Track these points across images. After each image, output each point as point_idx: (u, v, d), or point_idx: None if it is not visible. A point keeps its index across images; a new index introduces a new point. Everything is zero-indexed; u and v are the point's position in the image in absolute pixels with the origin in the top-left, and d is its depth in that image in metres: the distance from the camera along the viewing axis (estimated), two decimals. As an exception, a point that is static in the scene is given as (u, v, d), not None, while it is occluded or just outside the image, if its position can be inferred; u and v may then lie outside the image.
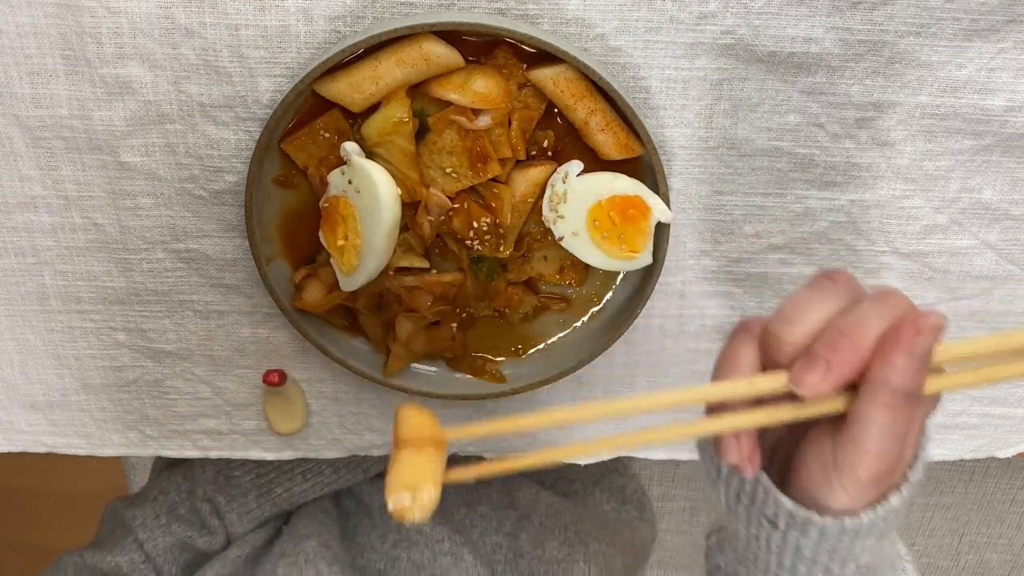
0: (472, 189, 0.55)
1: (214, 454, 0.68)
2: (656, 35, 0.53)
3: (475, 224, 0.55)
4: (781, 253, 0.61)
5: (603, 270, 0.58)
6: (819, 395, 0.40)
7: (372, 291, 0.57)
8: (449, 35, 0.51)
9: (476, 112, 0.52)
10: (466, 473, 0.43)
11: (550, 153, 0.55)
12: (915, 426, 0.42)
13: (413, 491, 0.40)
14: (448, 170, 0.54)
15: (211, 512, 0.70)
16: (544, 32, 0.52)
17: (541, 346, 0.61)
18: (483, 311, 0.59)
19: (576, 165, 0.54)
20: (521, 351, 0.61)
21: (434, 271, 0.57)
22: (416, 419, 0.42)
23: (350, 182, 0.53)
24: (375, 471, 0.73)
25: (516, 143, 0.54)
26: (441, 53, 0.51)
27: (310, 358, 0.64)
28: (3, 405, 0.65)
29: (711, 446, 0.46)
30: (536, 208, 0.56)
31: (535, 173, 0.55)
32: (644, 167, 0.55)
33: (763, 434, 0.44)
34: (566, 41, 0.52)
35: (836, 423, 0.42)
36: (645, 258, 0.55)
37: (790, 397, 0.41)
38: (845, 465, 0.41)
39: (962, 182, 0.58)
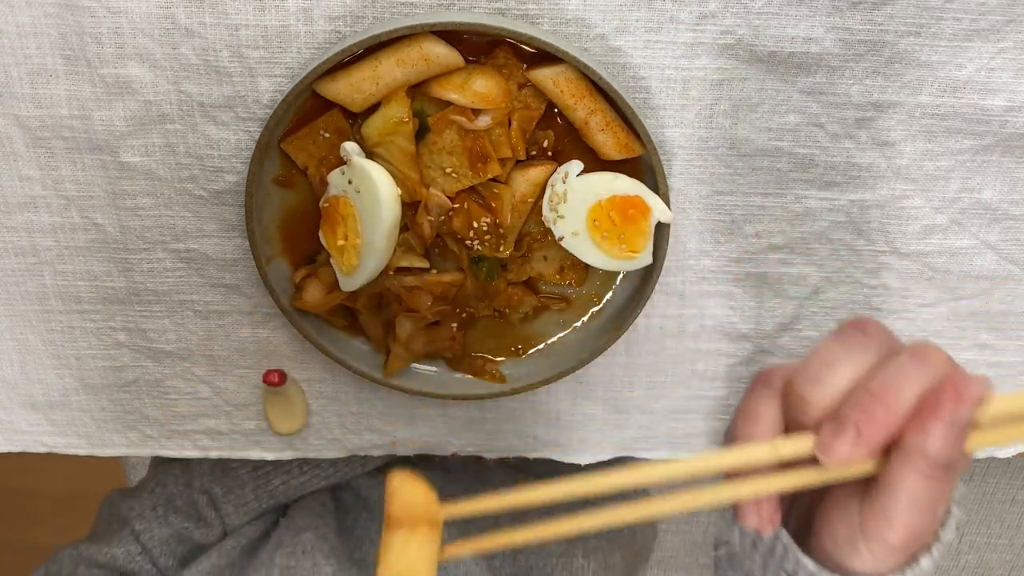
0: (472, 189, 0.55)
1: (214, 454, 0.68)
2: (656, 35, 0.53)
3: (475, 224, 0.55)
4: (781, 253, 0.61)
5: (603, 270, 0.58)
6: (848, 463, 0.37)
7: (372, 291, 0.57)
8: (449, 35, 0.51)
9: (476, 112, 0.52)
10: (462, 550, 0.41)
11: (550, 153, 0.55)
12: (949, 490, 0.39)
13: None
14: (448, 170, 0.54)
15: (208, 504, 0.70)
16: (544, 32, 0.52)
17: (541, 346, 0.61)
18: (483, 311, 0.59)
19: (576, 165, 0.54)
20: (521, 351, 0.61)
21: (434, 271, 0.57)
22: (409, 493, 0.40)
23: (350, 182, 0.53)
24: (373, 465, 0.73)
25: (516, 143, 0.54)
26: (441, 53, 0.51)
27: (310, 358, 0.64)
28: (3, 405, 0.65)
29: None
30: (536, 208, 0.56)
31: (535, 173, 0.55)
32: (644, 167, 0.55)
33: None
34: (566, 41, 0.52)
35: (865, 484, 0.39)
36: (645, 258, 0.55)
37: (815, 459, 0.38)
38: (873, 532, 0.39)
39: (962, 182, 0.58)
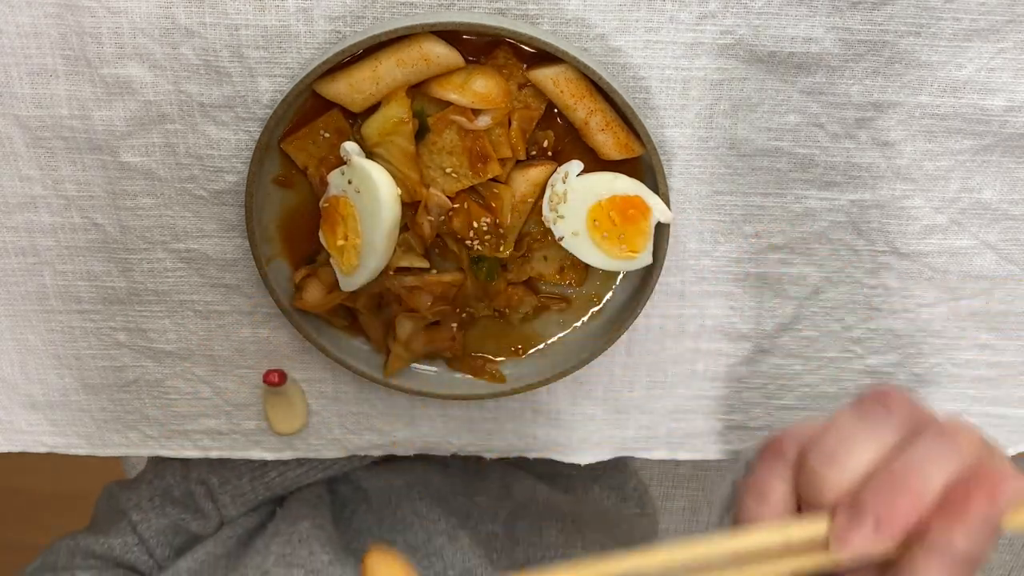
0: (472, 189, 0.55)
1: (214, 454, 0.68)
2: (656, 35, 0.53)
3: (475, 224, 0.55)
4: (781, 253, 0.61)
5: (603, 270, 0.58)
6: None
7: (372, 291, 0.57)
8: (449, 35, 0.51)
9: (476, 112, 0.52)
10: None
11: (550, 153, 0.55)
12: None
13: None
14: (448, 170, 0.54)
15: (205, 495, 0.71)
16: (544, 32, 0.52)
17: (541, 346, 0.61)
18: (483, 311, 0.59)
19: (576, 165, 0.54)
20: (521, 351, 0.61)
21: (434, 271, 0.57)
22: (386, 574, 0.38)
23: (350, 182, 0.53)
24: (371, 458, 0.73)
25: (516, 143, 0.54)
26: (441, 53, 0.51)
27: (310, 358, 0.64)
28: (3, 405, 0.65)
29: None
30: (536, 208, 0.56)
31: (535, 173, 0.55)
32: (644, 167, 0.55)
33: None
34: (566, 41, 0.52)
35: (881, 568, 0.36)
36: (645, 258, 0.55)
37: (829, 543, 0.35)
38: None
39: (962, 182, 0.58)
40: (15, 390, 0.65)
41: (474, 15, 0.52)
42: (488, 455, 0.68)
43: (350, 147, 0.53)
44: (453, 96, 0.52)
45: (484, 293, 0.58)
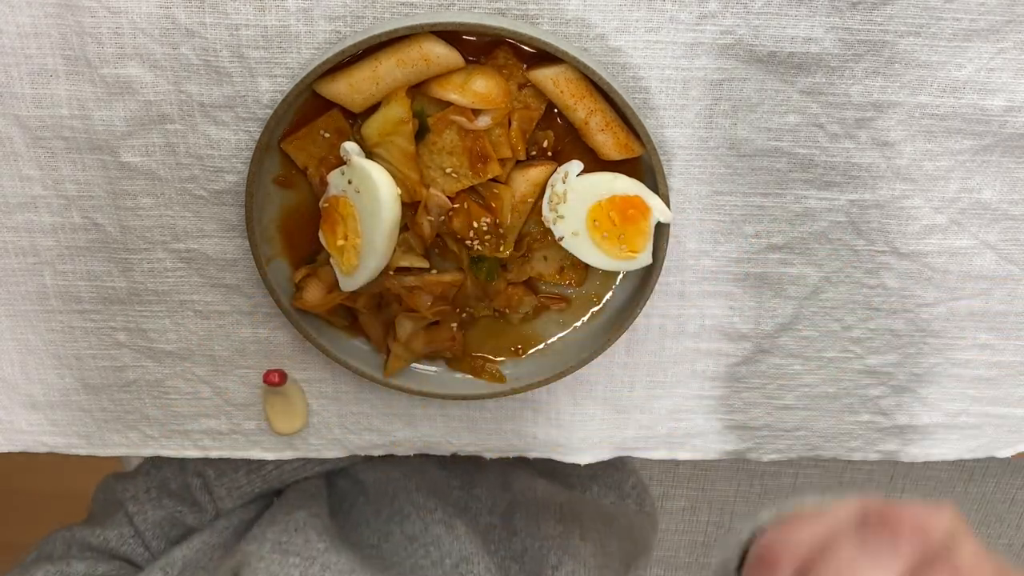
0: (472, 189, 0.55)
1: (214, 454, 0.68)
2: (656, 35, 0.53)
3: (475, 224, 0.55)
4: (781, 253, 0.61)
5: (603, 270, 0.58)
6: None
7: (372, 291, 0.57)
8: (449, 35, 0.51)
9: (476, 112, 0.52)
10: None
11: (550, 153, 0.55)
12: None
13: None
14: (448, 170, 0.54)
15: (201, 487, 0.71)
16: (544, 32, 0.52)
17: (541, 346, 0.61)
18: (483, 311, 0.59)
19: (576, 165, 0.54)
20: (521, 351, 0.61)
21: (434, 271, 0.57)
22: None
23: (350, 182, 0.53)
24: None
25: (516, 143, 0.54)
26: (441, 53, 0.51)
27: (310, 358, 0.64)
28: (3, 405, 0.65)
29: None
30: (536, 208, 0.56)
31: (535, 173, 0.55)
32: (644, 167, 0.55)
33: None
34: (566, 41, 0.52)
35: None
36: (645, 258, 0.55)
37: None
38: None
39: (962, 182, 0.58)
40: (15, 390, 0.65)
41: (474, 15, 0.52)
42: (488, 455, 0.68)
43: (350, 147, 0.53)
44: (453, 96, 0.52)
45: (484, 293, 0.58)
